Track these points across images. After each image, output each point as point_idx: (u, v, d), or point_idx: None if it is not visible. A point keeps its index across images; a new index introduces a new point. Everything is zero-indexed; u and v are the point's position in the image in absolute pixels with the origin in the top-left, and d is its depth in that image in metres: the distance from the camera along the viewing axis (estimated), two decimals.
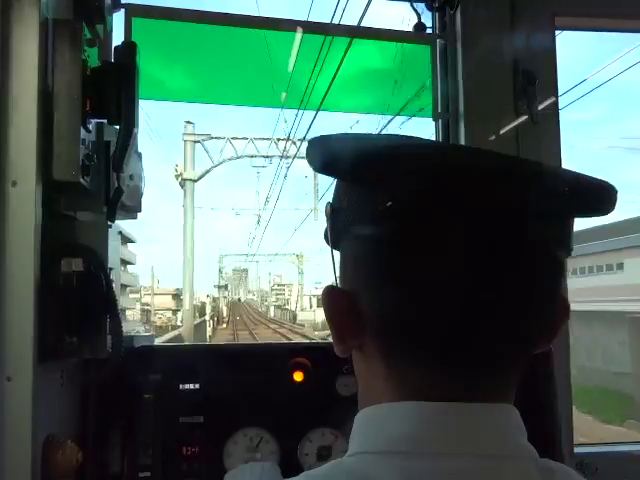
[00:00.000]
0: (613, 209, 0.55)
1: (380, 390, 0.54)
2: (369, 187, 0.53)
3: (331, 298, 0.57)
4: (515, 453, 0.51)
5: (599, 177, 0.55)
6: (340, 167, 0.55)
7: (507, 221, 0.49)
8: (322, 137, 0.59)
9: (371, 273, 0.53)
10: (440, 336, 0.51)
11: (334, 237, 0.58)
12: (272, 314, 57.70)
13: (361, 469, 0.50)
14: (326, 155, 0.57)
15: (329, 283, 0.61)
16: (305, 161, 0.61)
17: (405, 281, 0.51)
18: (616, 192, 0.55)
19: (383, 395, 0.54)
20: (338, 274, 0.58)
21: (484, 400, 0.51)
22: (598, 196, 0.55)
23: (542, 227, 0.52)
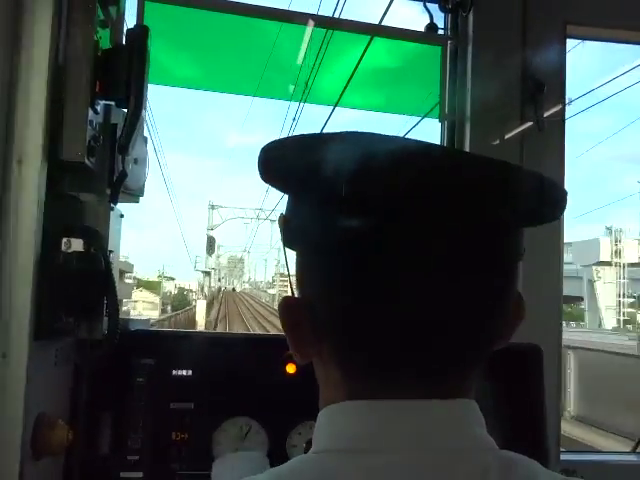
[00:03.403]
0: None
1: (337, 393, 0.55)
2: (313, 199, 0.53)
3: (287, 308, 0.57)
4: (472, 445, 0.52)
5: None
6: (276, 181, 0.59)
7: (459, 232, 0.50)
8: (266, 145, 0.60)
9: (323, 282, 0.54)
10: (392, 341, 0.51)
11: (288, 247, 0.59)
12: None
13: (326, 466, 0.51)
14: (265, 165, 0.59)
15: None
16: None
17: (355, 290, 0.51)
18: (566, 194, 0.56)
19: (340, 398, 0.55)
20: (295, 282, 0.59)
21: (440, 397, 0.52)
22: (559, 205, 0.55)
23: (497, 235, 0.52)
